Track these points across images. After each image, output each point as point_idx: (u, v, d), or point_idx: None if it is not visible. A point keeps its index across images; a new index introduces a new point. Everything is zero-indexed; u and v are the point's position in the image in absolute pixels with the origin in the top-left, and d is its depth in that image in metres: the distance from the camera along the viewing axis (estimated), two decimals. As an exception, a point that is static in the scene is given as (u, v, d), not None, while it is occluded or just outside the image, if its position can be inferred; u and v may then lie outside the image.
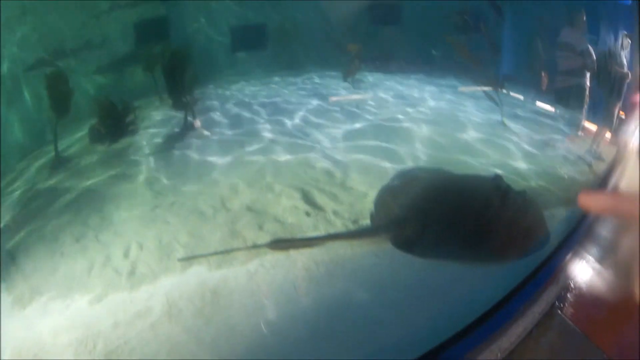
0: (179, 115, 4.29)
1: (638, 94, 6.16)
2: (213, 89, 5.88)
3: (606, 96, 5.34)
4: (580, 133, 5.56)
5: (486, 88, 5.20)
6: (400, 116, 4.94)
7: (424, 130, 4.56)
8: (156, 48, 4.84)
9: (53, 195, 3.72)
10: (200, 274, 2.81)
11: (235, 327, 2.31)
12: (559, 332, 2.96)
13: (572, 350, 2.84)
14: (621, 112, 5.31)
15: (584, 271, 4.01)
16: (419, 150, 3.85)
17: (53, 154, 4.47)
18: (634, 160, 7.27)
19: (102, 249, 3.15)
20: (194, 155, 3.76)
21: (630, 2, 5.46)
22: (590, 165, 4.68)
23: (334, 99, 5.36)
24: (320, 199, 2.70)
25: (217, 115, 4.77)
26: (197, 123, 4.30)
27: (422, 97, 6.02)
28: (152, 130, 4.59)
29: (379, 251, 2.26)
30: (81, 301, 2.62)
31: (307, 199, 2.71)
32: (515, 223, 2.45)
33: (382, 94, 5.97)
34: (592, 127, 5.48)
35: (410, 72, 6.61)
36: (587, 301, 3.52)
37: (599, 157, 4.97)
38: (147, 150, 4.17)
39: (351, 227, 2.41)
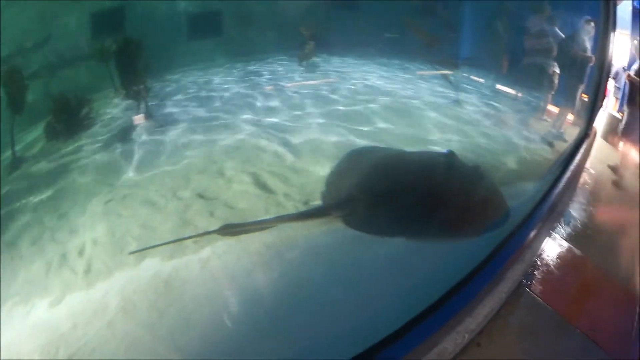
0: (132, 105, 4.16)
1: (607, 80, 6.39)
2: (167, 78, 5.72)
3: (569, 79, 5.47)
4: (542, 114, 5.70)
5: (443, 69, 5.26)
6: (355, 98, 4.93)
7: (378, 111, 4.56)
8: (110, 39, 4.63)
9: (10, 199, 3.56)
10: (153, 266, 2.73)
11: (190, 318, 2.25)
12: (529, 309, 3.00)
13: (543, 327, 2.89)
14: (583, 95, 5.46)
15: (551, 247, 4.10)
16: (373, 130, 3.83)
17: (10, 155, 4.26)
18: (598, 140, 7.49)
19: (59, 249, 3.04)
20: (146, 145, 3.65)
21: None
22: (552, 145, 4.80)
23: (289, 85, 5.30)
24: (272, 182, 2.65)
25: (170, 104, 4.65)
26: (150, 113, 4.17)
27: (379, 79, 6.02)
28: (106, 123, 4.43)
29: (330, 231, 2.23)
30: (42, 305, 2.54)
31: (258, 182, 2.65)
32: (468, 197, 2.46)
33: (338, 77, 5.93)
34: (554, 108, 5.62)
35: (370, 55, 6.63)
36: (555, 277, 3.60)
37: (561, 138, 5.11)
38: (101, 144, 4.04)
39: (302, 208, 2.37)
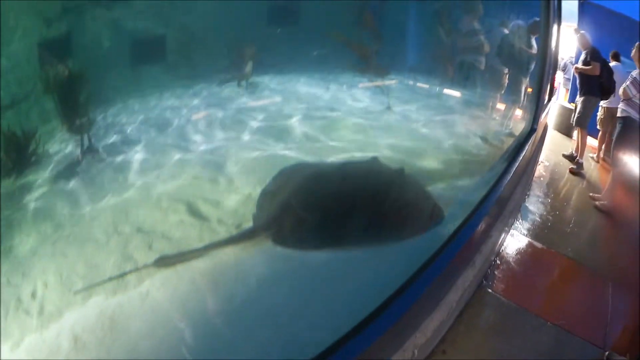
0: (76, 139, 4.16)
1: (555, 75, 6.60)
2: (110, 109, 5.74)
3: (511, 75, 5.65)
4: (487, 112, 5.86)
5: (376, 79, 5.41)
6: (290, 115, 5.06)
7: (311, 125, 4.68)
8: (56, 64, 4.63)
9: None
10: (98, 304, 2.73)
11: (135, 350, 2.27)
12: (493, 309, 3.03)
13: (512, 325, 2.93)
14: (529, 89, 5.66)
15: (510, 245, 4.16)
16: (305, 145, 3.93)
17: None
18: (548, 133, 7.70)
19: (14, 292, 3.03)
20: (89, 180, 3.66)
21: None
22: (498, 141, 4.94)
23: (226, 107, 5.40)
24: (205, 209, 2.69)
25: (111, 137, 4.66)
26: (92, 147, 4.17)
27: (314, 94, 6.17)
28: (53, 158, 4.39)
29: (261, 251, 2.27)
30: (4, 349, 2.53)
31: (192, 211, 2.68)
32: (392, 201, 2.51)
33: (275, 96, 6.08)
34: (500, 105, 5.79)
35: (305, 70, 6.79)
36: (518, 273, 3.66)
37: (508, 134, 5.25)
38: (47, 181, 4.02)
39: (234, 232, 2.40)
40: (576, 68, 6.71)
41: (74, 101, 4.00)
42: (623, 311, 3.40)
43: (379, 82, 5.41)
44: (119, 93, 6.31)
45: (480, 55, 5.13)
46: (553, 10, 5.24)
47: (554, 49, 5.42)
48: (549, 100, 5.66)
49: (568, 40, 8.12)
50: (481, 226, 2.80)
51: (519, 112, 5.41)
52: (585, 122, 6.63)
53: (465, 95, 5.92)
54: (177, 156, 3.71)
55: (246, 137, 4.23)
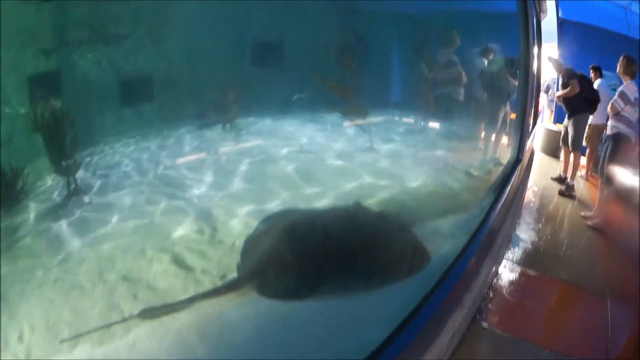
0: (63, 181, 4.18)
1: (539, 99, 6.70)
2: (97, 149, 5.78)
3: (495, 104, 5.74)
4: (472, 143, 5.93)
5: (356, 118, 5.51)
6: (274, 159, 5.15)
7: (296, 168, 4.75)
8: (43, 104, 4.64)
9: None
10: (85, 353, 2.70)
11: None
12: (489, 343, 2.99)
13: (509, 356, 2.89)
14: (512, 115, 5.74)
15: (502, 275, 4.14)
16: (290, 190, 3.97)
17: None
18: (535, 156, 7.76)
19: (2, 334, 3.01)
20: (75, 224, 3.66)
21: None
22: (485, 172, 4.99)
23: (212, 151, 5.47)
24: (190, 259, 2.69)
25: (98, 180, 4.69)
26: (79, 189, 4.18)
27: (298, 135, 6.29)
28: (40, 198, 4.41)
29: (245, 302, 2.27)
30: None
31: (177, 261, 2.68)
32: (375, 245, 2.52)
33: (259, 139, 6.15)
34: (484, 135, 5.87)
35: (289, 112, 6.93)
36: (512, 304, 3.63)
37: (495, 164, 5.31)
38: (33, 221, 4.02)
39: (218, 283, 2.41)
40: (558, 97, 6.83)
41: (61, 142, 4.01)
42: (624, 324, 3.40)
43: (360, 121, 5.50)
44: (106, 133, 6.36)
45: (459, 86, 5.24)
46: (532, 32, 5.36)
47: (535, 71, 5.52)
48: (534, 125, 5.75)
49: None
50: (470, 264, 2.81)
51: (504, 140, 5.48)
52: (579, 144, 6.68)
53: (448, 127, 6.01)
54: (162, 203, 3.73)
55: (231, 182, 4.26)
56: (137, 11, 6.51)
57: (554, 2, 8.93)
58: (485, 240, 3.18)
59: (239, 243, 2.63)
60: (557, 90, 7.02)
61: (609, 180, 5.50)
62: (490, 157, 5.42)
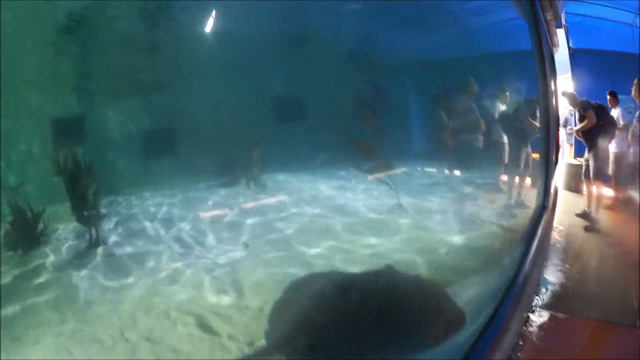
0: (84, 230, 4.18)
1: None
2: (120, 202, 5.83)
3: (520, 146, 5.62)
4: (498, 188, 5.82)
5: (381, 175, 5.47)
6: (299, 219, 5.09)
7: (321, 227, 4.70)
8: (67, 151, 4.69)
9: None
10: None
11: None
12: None
13: None
14: (533, 155, 5.61)
15: (532, 323, 3.96)
16: (317, 252, 3.89)
17: None
18: (561, 192, 7.55)
19: None
20: (96, 275, 3.62)
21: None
22: (513, 217, 4.86)
23: (236, 209, 5.46)
24: (215, 322, 2.60)
25: (121, 233, 4.75)
26: (100, 240, 4.16)
27: (322, 193, 6.28)
28: (61, 244, 4.46)
29: (275, 374, 2.16)
30: None
31: (202, 324, 2.59)
32: (412, 311, 2.40)
33: (283, 197, 6.14)
34: (510, 178, 5.74)
35: (312, 168, 6.96)
36: (544, 351, 3.45)
37: (522, 205, 5.17)
38: (54, 267, 4.01)
39: (246, 350, 2.30)
40: (576, 132, 6.72)
41: (83, 192, 4.02)
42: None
43: (385, 177, 5.44)
44: (129, 184, 6.44)
45: (478, 133, 5.20)
46: (548, 68, 5.33)
47: (554, 107, 5.45)
48: (556, 164, 5.63)
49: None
50: (504, 324, 2.70)
51: (528, 182, 5.37)
52: (602, 176, 6.48)
53: (472, 175, 5.95)
54: (186, 261, 3.70)
55: (256, 241, 4.23)
56: (161, 64, 6.75)
57: (564, 34, 8.96)
58: (517, 293, 3.06)
59: (267, 308, 2.53)
60: (575, 123, 6.93)
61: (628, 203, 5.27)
62: (517, 203, 5.29)
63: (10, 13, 6.16)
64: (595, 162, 6.54)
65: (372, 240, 4.09)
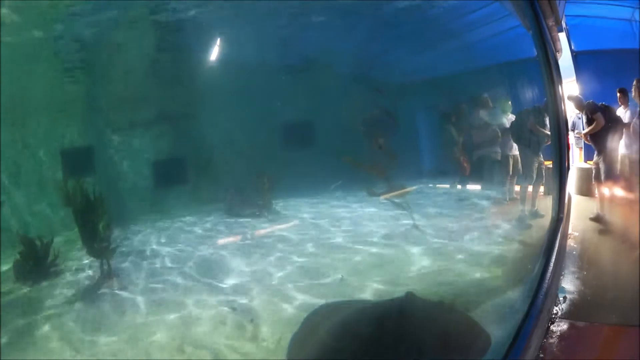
0: (95, 263, 4.15)
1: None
2: (131, 233, 5.82)
3: (532, 156, 5.55)
4: (512, 197, 5.73)
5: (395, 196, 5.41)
6: (313, 243, 5.07)
7: (337, 256, 4.61)
8: (76, 182, 4.69)
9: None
10: None
11: None
12: None
13: None
14: (545, 163, 5.54)
15: (552, 334, 3.87)
16: (332, 276, 3.84)
17: None
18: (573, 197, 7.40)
19: None
20: (107, 310, 3.58)
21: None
22: (532, 229, 4.76)
23: (249, 237, 5.37)
24: (232, 357, 2.53)
25: (132, 265, 4.73)
26: (112, 273, 4.12)
27: (335, 219, 6.19)
28: (71, 275, 4.45)
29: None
30: None
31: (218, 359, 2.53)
32: (437, 337, 2.34)
33: (295, 223, 6.10)
34: (525, 189, 5.64)
35: (327, 196, 6.91)
36: None
37: (538, 215, 5.08)
38: (64, 298, 3.98)
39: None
40: (585, 136, 6.63)
41: (94, 224, 3.98)
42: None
43: (398, 199, 5.39)
44: (140, 215, 6.42)
45: (495, 146, 5.15)
46: (554, 71, 5.28)
47: (563, 113, 5.40)
48: (568, 170, 5.55)
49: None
50: (527, 343, 2.64)
51: (542, 191, 5.29)
52: (613, 177, 6.37)
53: (488, 190, 5.88)
54: (200, 293, 3.66)
55: (270, 270, 4.17)
56: (172, 95, 6.78)
57: (565, 37, 8.92)
58: (539, 308, 3.00)
59: (285, 341, 2.45)
60: (582, 127, 6.84)
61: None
62: (533, 214, 5.20)
63: (17, 38, 6.24)
64: (606, 164, 6.45)
65: (392, 268, 4.01)
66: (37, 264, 4.57)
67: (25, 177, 6.66)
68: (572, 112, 9.29)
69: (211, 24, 6.58)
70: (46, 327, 3.49)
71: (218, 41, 6.62)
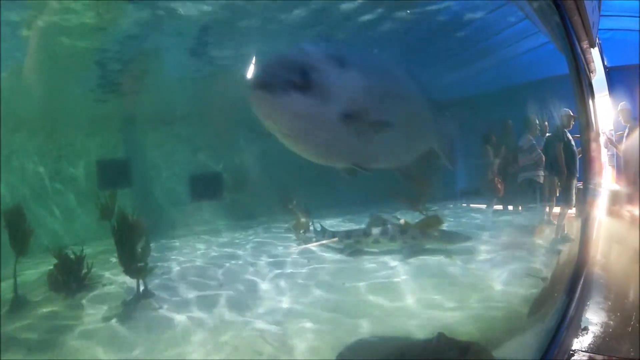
0: (131, 281, 4.26)
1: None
2: (168, 249, 5.90)
3: (561, 176, 5.45)
4: (544, 220, 5.62)
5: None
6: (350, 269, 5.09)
7: (371, 288, 4.52)
8: (112, 195, 4.84)
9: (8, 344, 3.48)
10: None
11: None
12: None
13: None
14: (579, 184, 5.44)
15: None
16: (366, 315, 3.73)
17: (12, 294, 4.33)
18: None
19: None
20: (142, 326, 3.69)
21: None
22: (559, 253, 4.65)
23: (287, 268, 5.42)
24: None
25: (169, 282, 4.86)
26: (149, 292, 4.25)
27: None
28: (106, 290, 4.59)
29: None
30: None
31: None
32: None
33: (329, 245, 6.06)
34: (555, 210, 5.53)
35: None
36: None
37: (567, 239, 4.98)
38: (101, 314, 4.09)
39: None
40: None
41: (132, 246, 4.07)
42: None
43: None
44: (176, 231, 6.51)
45: (540, 169, 5.12)
46: (586, 88, 5.17)
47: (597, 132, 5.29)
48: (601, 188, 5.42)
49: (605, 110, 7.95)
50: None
51: (575, 210, 5.20)
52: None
53: (526, 214, 5.73)
54: (237, 320, 3.70)
55: (306, 302, 4.15)
56: (206, 113, 6.87)
57: (598, 53, 8.69)
58: (561, 340, 3.00)
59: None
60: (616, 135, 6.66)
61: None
62: (567, 231, 5.11)
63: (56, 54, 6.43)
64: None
65: (421, 310, 3.87)
66: (71, 275, 4.70)
67: (61, 187, 6.89)
68: (603, 132, 9.03)
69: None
70: (77, 342, 3.61)
71: (251, 51, 6.64)
